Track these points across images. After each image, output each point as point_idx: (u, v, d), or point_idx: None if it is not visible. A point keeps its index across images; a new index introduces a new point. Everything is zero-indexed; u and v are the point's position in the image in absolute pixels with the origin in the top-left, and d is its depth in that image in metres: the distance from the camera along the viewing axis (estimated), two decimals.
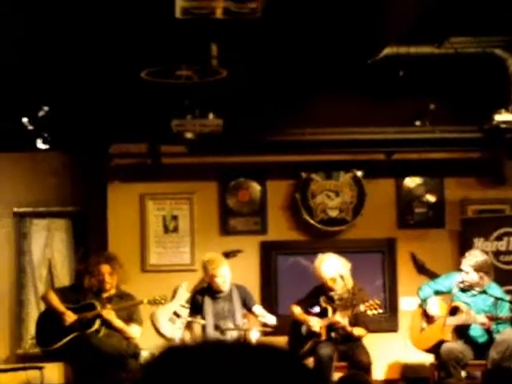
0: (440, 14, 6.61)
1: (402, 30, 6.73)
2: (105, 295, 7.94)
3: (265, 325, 7.88)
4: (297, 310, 8.00)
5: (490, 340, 7.58)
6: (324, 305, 7.86)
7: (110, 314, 7.75)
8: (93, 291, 7.93)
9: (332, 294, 7.83)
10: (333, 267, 7.84)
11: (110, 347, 7.59)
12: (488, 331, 7.52)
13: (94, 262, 8.01)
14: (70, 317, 7.75)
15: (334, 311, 7.77)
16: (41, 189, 9.16)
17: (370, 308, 7.64)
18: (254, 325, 7.95)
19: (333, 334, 7.73)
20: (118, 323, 7.78)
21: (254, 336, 7.71)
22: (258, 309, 8.09)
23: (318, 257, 8.02)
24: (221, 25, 6.14)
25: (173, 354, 1.19)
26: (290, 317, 8.07)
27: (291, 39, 7.02)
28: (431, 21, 6.61)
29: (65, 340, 7.71)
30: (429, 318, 7.92)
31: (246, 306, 8.09)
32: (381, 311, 7.81)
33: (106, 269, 7.92)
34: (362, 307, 7.62)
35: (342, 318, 7.71)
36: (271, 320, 7.89)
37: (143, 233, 9.04)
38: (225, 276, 8.03)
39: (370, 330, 7.99)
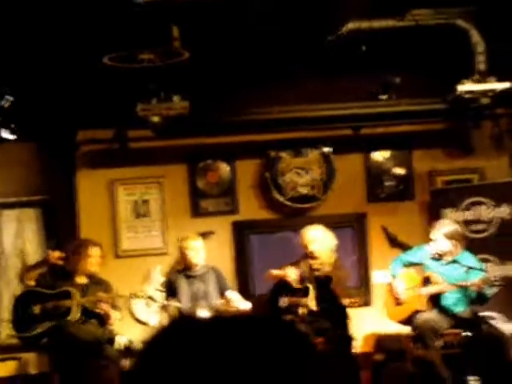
0: None
1: (363, 4, 6.74)
2: (80, 281, 7.86)
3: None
4: (273, 271, 8.01)
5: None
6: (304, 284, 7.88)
7: (90, 302, 7.71)
8: (68, 274, 7.85)
9: (313, 262, 7.88)
10: (319, 237, 7.93)
11: (88, 334, 7.54)
12: (480, 293, 7.54)
13: (85, 243, 7.96)
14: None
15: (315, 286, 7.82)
16: (9, 179, 9.09)
17: (350, 304, 7.75)
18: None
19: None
20: (102, 309, 7.73)
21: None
22: (231, 293, 8.08)
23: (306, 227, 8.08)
24: (182, 6, 6.12)
25: (178, 326, 1.20)
26: (265, 296, 8.10)
27: (253, 19, 7.00)
28: None
29: (41, 328, 7.65)
30: (395, 298, 8.02)
31: (220, 289, 8.08)
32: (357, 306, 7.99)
33: (96, 252, 7.90)
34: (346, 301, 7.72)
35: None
36: (245, 306, 7.90)
37: (114, 218, 9.02)
38: (197, 249, 8.03)
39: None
